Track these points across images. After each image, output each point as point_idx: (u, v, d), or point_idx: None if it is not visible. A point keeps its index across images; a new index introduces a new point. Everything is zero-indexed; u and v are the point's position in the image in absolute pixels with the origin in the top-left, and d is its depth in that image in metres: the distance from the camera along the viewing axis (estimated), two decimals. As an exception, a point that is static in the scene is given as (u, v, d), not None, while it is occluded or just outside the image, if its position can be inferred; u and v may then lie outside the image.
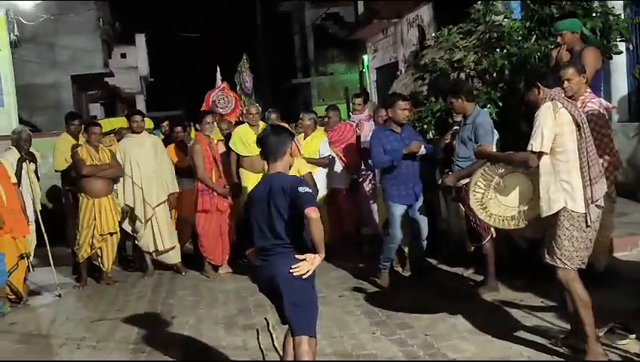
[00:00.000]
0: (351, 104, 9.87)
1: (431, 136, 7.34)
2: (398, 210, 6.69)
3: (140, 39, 30.37)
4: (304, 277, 3.80)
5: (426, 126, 7.37)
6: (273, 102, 23.50)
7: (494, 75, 6.96)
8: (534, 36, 7.02)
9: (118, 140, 8.93)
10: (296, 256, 3.82)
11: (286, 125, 7.56)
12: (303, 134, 8.70)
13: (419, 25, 17.76)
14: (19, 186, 7.58)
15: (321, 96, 30.19)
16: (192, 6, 35.78)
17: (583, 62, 5.56)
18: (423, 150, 6.66)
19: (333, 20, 29.90)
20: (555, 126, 4.31)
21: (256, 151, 8.42)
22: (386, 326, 5.58)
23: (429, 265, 7.26)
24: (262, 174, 8.32)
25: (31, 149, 7.96)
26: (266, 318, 5.89)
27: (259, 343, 5.38)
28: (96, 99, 26.83)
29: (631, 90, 9.15)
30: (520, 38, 7.12)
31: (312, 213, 3.71)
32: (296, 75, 32.58)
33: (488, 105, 6.72)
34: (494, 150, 5.67)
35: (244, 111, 9.09)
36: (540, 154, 4.33)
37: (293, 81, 32.23)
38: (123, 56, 28.89)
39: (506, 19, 7.32)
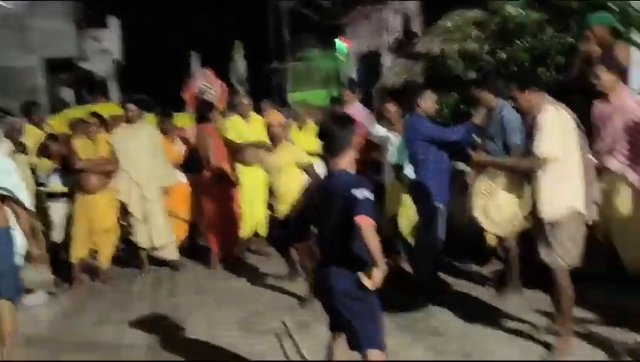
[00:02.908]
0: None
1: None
2: (442, 209, 5.99)
3: (114, 22, 29.64)
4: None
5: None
6: (249, 88, 23.14)
7: (514, 68, 6.76)
8: (553, 29, 6.84)
9: (107, 130, 8.48)
10: (357, 275, 3.46)
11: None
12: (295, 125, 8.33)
13: (404, 12, 17.54)
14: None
15: (298, 82, 29.78)
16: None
17: (618, 59, 5.37)
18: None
19: (309, 5, 29.41)
20: (561, 131, 4.40)
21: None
22: (414, 331, 5.37)
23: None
24: (255, 167, 8.10)
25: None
26: (283, 322, 5.64)
27: (284, 350, 5.10)
28: (68, 83, 26.05)
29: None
30: (537, 30, 6.94)
31: (362, 221, 3.36)
32: (271, 60, 32.08)
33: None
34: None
35: (236, 102, 8.66)
36: (546, 159, 4.39)
37: (268, 66, 31.76)
38: (96, 39, 28.18)
39: (522, 11, 7.12)
